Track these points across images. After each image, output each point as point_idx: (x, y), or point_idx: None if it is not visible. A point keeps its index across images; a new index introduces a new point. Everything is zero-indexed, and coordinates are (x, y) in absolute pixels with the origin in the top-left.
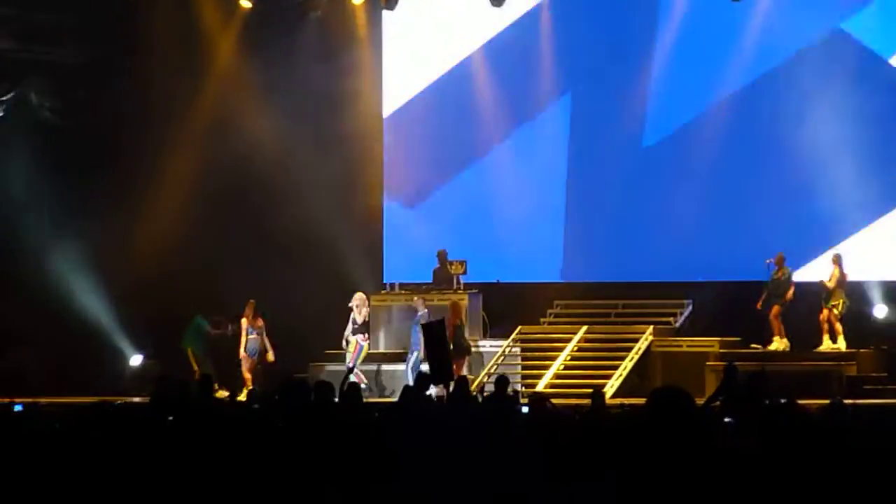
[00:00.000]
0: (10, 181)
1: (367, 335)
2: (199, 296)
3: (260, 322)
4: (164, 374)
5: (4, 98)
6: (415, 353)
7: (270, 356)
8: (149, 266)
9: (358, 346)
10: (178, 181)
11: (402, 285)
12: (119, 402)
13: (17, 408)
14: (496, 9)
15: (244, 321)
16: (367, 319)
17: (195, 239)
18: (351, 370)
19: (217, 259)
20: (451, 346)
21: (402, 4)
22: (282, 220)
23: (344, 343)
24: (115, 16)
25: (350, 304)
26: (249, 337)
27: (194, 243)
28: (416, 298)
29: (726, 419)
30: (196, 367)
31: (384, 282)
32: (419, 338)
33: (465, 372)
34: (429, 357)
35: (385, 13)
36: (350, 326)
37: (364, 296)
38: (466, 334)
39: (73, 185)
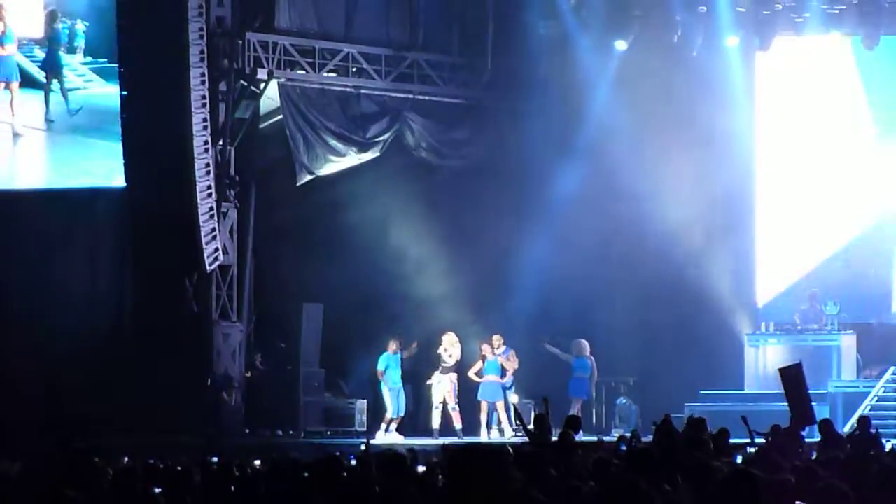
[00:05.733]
0: (389, 221)
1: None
2: (572, 333)
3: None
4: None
5: (382, 138)
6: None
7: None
8: (530, 300)
9: (452, 385)
10: (558, 223)
11: (775, 325)
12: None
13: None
14: (868, 52)
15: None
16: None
17: (573, 275)
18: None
19: (591, 297)
20: None
21: (776, 46)
22: (652, 260)
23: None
24: (491, 56)
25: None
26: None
27: (571, 279)
28: (483, 345)
29: None
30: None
31: (758, 322)
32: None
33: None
34: (789, 399)
35: (759, 54)
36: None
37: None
38: None
39: (449, 222)
